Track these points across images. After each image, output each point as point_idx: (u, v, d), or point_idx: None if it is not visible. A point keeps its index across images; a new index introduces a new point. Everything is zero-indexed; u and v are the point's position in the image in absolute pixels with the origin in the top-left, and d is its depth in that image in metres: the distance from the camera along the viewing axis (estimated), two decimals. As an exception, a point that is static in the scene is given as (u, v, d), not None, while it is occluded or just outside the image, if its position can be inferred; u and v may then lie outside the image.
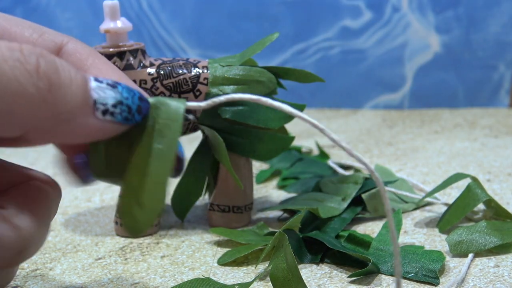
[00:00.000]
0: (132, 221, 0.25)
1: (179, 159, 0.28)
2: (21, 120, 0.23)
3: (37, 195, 0.27)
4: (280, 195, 0.53)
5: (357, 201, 0.47)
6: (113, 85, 0.25)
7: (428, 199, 0.48)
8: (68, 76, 0.23)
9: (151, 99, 0.26)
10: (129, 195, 0.25)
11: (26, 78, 0.22)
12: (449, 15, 0.81)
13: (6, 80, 0.22)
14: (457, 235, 0.40)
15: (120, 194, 0.25)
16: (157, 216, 0.25)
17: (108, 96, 0.25)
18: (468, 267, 0.38)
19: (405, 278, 0.37)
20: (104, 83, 0.25)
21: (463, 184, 0.45)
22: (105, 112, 0.24)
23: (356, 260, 0.38)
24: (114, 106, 0.25)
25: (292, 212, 0.47)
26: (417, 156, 0.62)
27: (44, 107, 0.23)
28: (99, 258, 0.42)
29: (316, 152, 0.65)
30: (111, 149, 0.26)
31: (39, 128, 0.24)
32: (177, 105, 0.26)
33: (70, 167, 0.27)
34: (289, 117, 0.44)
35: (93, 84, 0.24)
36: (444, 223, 0.44)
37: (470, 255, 0.39)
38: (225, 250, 0.42)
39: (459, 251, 0.39)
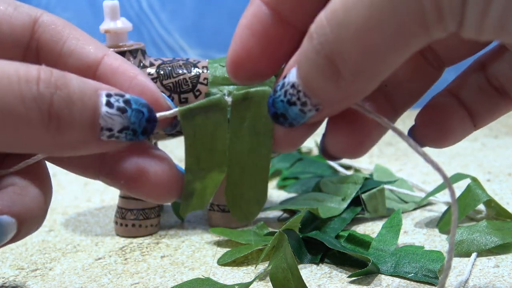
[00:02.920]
0: (240, 213, 0.28)
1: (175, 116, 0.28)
2: (21, 148, 0.24)
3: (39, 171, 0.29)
4: (280, 195, 0.53)
5: (357, 201, 0.46)
6: (124, 109, 0.25)
7: (428, 198, 0.48)
8: (79, 108, 0.24)
9: (237, 94, 0.26)
10: (233, 189, 0.28)
11: (38, 119, 0.23)
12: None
13: (19, 120, 0.22)
14: (458, 235, 0.40)
15: (225, 188, 0.28)
16: (262, 207, 0.28)
17: (116, 123, 0.24)
18: (472, 267, 0.38)
19: (405, 278, 0.37)
20: (114, 108, 0.24)
21: (463, 184, 0.45)
22: (110, 136, 0.25)
23: (356, 260, 0.38)
24: (120, 131, 0.25)
25: (292, 212, 0.47)
26: (417, 156, 0.62)
27: (49, 140, 0.23)
28: (99, 258, 0.42)
29: (316, 152, 0.65)
30: (206, 142, 0.27)
31: (36, 152, 0.25)
32: (264, 98, 0.26)
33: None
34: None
35: (103, 109, 0.24)
36: (444, 223, 0.44)
37: (474, 255, 0.39)
38: (225, 250, 0.42)
39: (460, 251, 0.39)
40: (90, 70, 0.27)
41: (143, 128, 0.25)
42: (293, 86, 0.24)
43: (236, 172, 0.27)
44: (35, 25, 0.27)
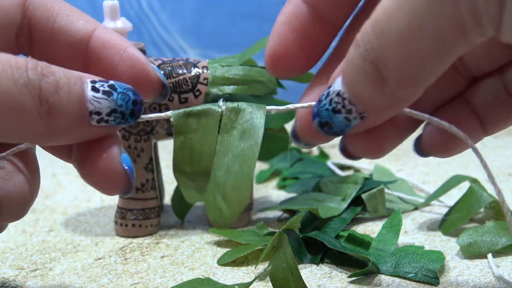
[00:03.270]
0: (218, 215, 0.28)
1: (163, 84, 0.28)
2: (17, 136, 0.24)
3: (29, 159, 0.29)
4: (280, 195, 0.53)
5: (357, 201, 0.46)
6: (110, 93, 0.26)
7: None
8: (66, 93, 0.24)
9: (232, 104, 0.27)
10: (214, 191, 0.28)
11: (31, 103, 0.23)
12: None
13: (15, 105, 0.23)
14: (467, 237, 0.40)
15: (207, 189, 0.28)
16: (241, 211, 0.28)
17: (103, 107, 0.25)
18: (491, 268, 0.38)
19: (405, 278, 0.37)
20: (100, 92, 0.25)
21: (463, 184, 0.45)
22: (99, 120, 0.25)
23: (356, 260, 0.38)
24: (108, 114, 0.25)
25: (292, 212, 0.47)
26: (417, 156, 0.62)
27: (42, 127, 0.24)
28: (99, 258, 0.42)
29: (316, 152, 0.65)
30: (195, 146, 0.28)
31: (32, 140, 0.26)
32: (260, 111, 0.27)
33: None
34: (289, 117, 0.44)
35: (89, 94, 0.25)
36: (447, 225, 0.43)
37: (490, 255, 0.38)
38: (225, 250, 0.42)
39: (471, 252, 0.39)
40: (82, 45, 0.28)
41: (130, 110, 0.26)
42: (338, 94, 0.24)
43: (221, 174, 0.28)
44: (25, 4, 0.28)
